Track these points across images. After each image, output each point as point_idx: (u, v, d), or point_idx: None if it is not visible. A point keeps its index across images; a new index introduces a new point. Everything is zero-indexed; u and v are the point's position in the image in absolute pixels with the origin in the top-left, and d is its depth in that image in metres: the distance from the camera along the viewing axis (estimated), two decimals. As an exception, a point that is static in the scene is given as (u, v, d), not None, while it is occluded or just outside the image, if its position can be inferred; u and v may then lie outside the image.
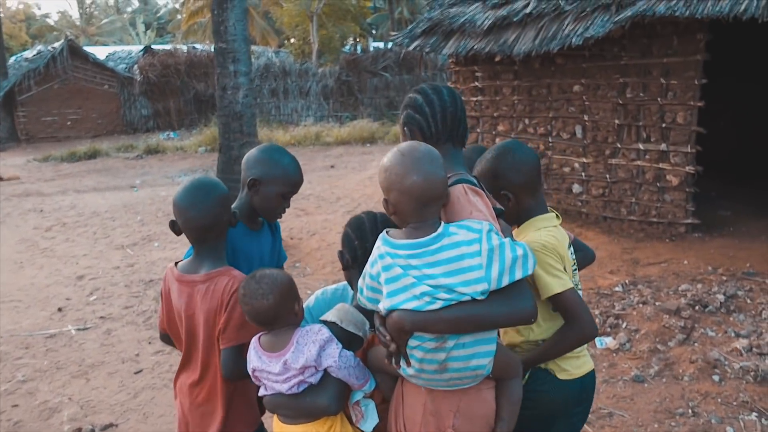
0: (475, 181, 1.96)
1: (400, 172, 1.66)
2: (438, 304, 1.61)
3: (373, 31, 33.25)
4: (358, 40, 30.82)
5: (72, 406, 4.09)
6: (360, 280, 1.77)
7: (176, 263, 2.12)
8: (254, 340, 1.93)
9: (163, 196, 11.22)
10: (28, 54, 24.57)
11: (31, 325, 5.49)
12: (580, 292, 2.17)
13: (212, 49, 24.58)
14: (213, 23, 6.65)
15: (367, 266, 1.74)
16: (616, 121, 7.37)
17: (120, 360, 4.76)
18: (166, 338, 2.23)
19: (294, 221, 8.74)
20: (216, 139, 17.51)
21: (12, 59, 25.51)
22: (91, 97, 23.04)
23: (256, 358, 1.89)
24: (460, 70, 9.13)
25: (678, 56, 6.71)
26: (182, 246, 7.74)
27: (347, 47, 29.41)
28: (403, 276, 1.63)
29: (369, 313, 1.90)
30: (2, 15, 47.86)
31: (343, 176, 12.33)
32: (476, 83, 8.89)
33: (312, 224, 8.57)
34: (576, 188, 8.01)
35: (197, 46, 25.26)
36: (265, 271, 1.92)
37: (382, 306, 1.68)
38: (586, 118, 7.69)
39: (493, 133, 8.84)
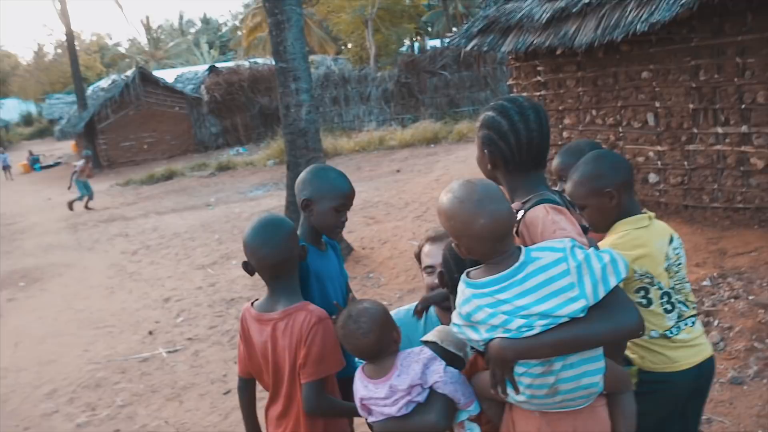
0: (556, 198, 1.90)
1: (465, 219, 1.64)
2: (536, 331, 1.58)
3: (429, 29, 33.13)
4: (414, 39, 30.79)
5: (169, 429, 4.30)
6: (453, 316, 1.76)
7: (252, 303, 2.16)
8: (358, 371, 1.96)
9: (237, 212, 11.59)
10: (104, 83, 26.01)
11: (125, 350, 5.80)
12: (687, 286, 2.22)
13: (273, 63, 25.23)
14: (272, 44, 6.82)
15: (457, 305, 1.73)
16: (691, 106, 7.04)
17: (209, 381, 4.95)
18: (243, 387, 2.26)
19: (364, 230, 8.83)
20: (283, 152, 18.00)
21: (89, 90, 27.04)
22: (164, 120, 24.09)
23: (362, 388, 1.92)
24: (520, 65, 8.98)
25: (754, 33, 6.33)
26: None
27: (404, 48, 29.44)
28: (494, 315, 1.62)
29: None
30: (78, 48, 50.77)
31: (409, 180, 12.35)
32: (538, 78, 8.71)
33: (382, 232, 8.63)
34: (652, 178, 7.70)
35: (258, 60, 25.95)
36: (359, 306, 1.94)
37: (479, 338, 1.67)
38: (657, 104, 7.39)
39: (560, 126, 8.63)
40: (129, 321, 6.56)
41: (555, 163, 2.72)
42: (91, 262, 9.49)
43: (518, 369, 1.65)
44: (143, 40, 56.59)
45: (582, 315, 1.58)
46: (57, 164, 28.33)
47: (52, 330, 6.61)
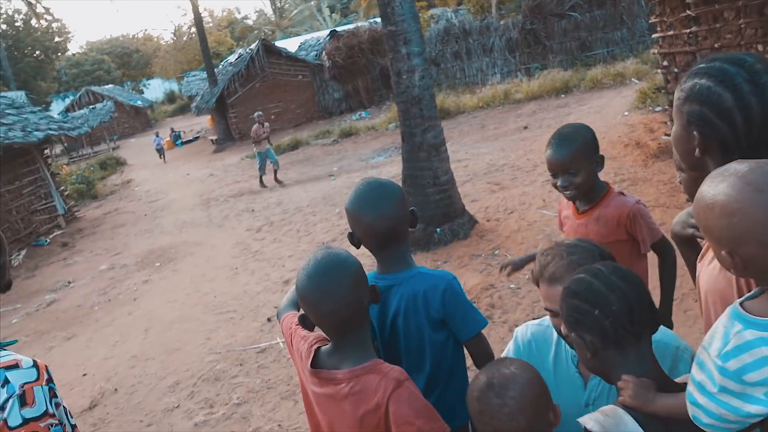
0: None
1: (762, 217, 1.11)
2: None
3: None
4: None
5: (281, 434, 4.07)
6: (699, 377, 1.20)
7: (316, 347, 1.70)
8: None
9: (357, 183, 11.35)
10: (232, 58, 26.81)
11: (244, 338, 5.70)
12: None
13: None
14: (379, 6, 6.25)
15: (712, 360, 1.18)
16: None
17: (324, 377, 4.67)
18: None
19: (489, 198, 8.18)
20: (404, 114, 17.55)
21: (220, 65, 28.09)
22: (289, 89, 24.47)
23: None
24: (665, -1, 7.71)
25: None
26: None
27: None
28: None
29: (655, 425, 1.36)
30: (210, 25, 53.26)
31: (538, 137, 11.39)
32: (688, 12, 7.41)
33: (509, 200, 7.93)
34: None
35: (378, 20, 25.47)
36: (504, 370, 1.46)
37: (758, 411, 1.13)
38: None
39: (717, 67, 7.33)
40: (249, 306, 6.49)
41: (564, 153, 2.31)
42: (220, 239, 9.68)
43: None
44: (269, 10, 58.19)
45: None
46: (196, 138, 30.03)
47: (179, 315, 6.71)
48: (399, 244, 1.91)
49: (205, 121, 32.67)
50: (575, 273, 1.52)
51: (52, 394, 1.03)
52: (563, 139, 2.36)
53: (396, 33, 6.19)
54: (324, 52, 24.20)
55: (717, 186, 1.17)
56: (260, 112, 14.26)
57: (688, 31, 7.50)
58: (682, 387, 1.45)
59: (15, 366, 1.00)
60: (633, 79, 14.88)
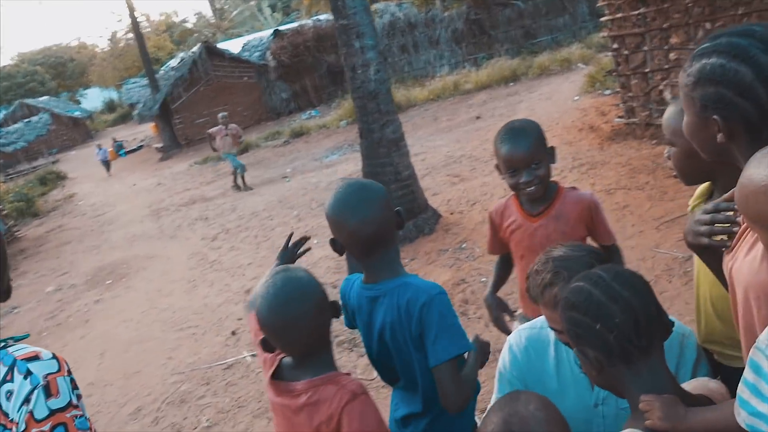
0: None
1: None
2: None
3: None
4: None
5: (257, 456, 3.83)
6: (747, 396, 1.08)
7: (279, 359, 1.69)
8: None
9: (314, 183, 11.10)
10: (173, 63, 26.05)
11: (209, 355, 5.41)
12: None
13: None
14: (330, 0, 6.03)
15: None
16: (840, 1, 5.70)
17: (297, 390, 4.44)
18: None
19: (450, 191, 8.06)
20: (354, 111, 17.31)
21: (161, 70, 27.27)
22: (234, 92, 23.88)
23: None
24: (612, -19, 7.72)
25: None
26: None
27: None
28: None
29: None
30: (148, 30, 51.73)
31: (492, 127, 11.34)
32: (636, -7, 7.45)
33: (470, 192, 7.83)
34: (789, 96, 6.41)
35: (321, 18, 25.12)
36: (522, 411, 1.28)
37: None
38: (792, 5, 6.06)
39: (665, 48, 7.38)
40: (211, 319, 6.18)
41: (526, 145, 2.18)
42: (174, 251, 9.29)
43: None
44: (208, 12, 56.92)
45: None
46: (140, 147, 29.06)
47: (136, 335, 6.35)
48: (387, 248, 1.79)
49: (148, 129, 31.64)
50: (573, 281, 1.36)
51: (74, 385, 1.01)
52: (519, 132, 2.23)
53: (348, 27, 5.97)
54: (269, 52, 23.73)
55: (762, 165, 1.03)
56: (225, 114, 13.03)
57: (637, 12, 7.54)
58: (701, 398, 1.31)
59: (36, 357, 0.98)
60: (579, 64, 15.05)
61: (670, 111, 1.72)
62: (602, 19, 8.39)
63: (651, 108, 7.83)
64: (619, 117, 8.52)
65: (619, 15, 7.78)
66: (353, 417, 1.51)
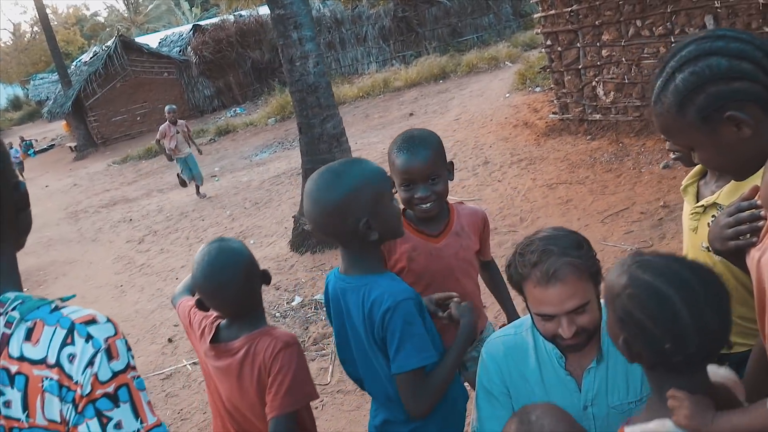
0: None
1: None
2: None
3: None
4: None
5: (207, 472, 3.55)
6: None
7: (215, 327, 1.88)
8: None
9: (245, 182, 10.71)
10: (86, 57, 24.68)
11: (144, 365, 5.03)
12: None
13: (259, 13, 23.64)
14: (265, -12, 5.76)
15: None
16: (761, 0, 5.97)
17: (246, 399, 4.18)
18: None
19: (390, 188, 7.93)
20: (284, 108, 16.92)
21: (73, 66, 25.77)
22: (154, 88, 22.88)
23: None
24: (546, -22, 7.82)
25: None
26: (279, 239, 7.13)
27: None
28: None
29: None
30: (55, 23, 48.87)
31: (425, 123, 11.35)
32: (569, -10, 7.57)
33: (410, 188, 7.73)
34: (714, 91, 6.69)
35: (243, 13, 24.48)
36: (538, 421, 1.27)
37: None
38: (717, 3, 6.31)
39: (598, 45, 7.56)
40: (145, 327, 5.78)
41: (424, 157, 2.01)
42: (96, 255, 8.70)
43: None
44: (121, 6, 54.40)
45: None
46: (51, 147, 27.40)
47: (61, 347, 5.85)
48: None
49: (59, 128, 29.86)
50: (635, 267, 1.19)
51: (128, 347, 1.04)
52: (418, 142, 2.01)
53: (285, 17, 5.71)
54: (189, 48, 22.86)
55: None
56: (173, 106, 10.31)
57: (569, 9, 7.67)
58: (720, 389, 1.24)
59: (93, 321, 1.00)
60: (507, 62, 15.33)
61: None
62: (535, 16, 8.51)
63: (584, 104, 8.00)
64: (554, 113, 8.67)
65: (552, 12, 7.89)
66: (284, 363, 1.71)
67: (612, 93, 7.59)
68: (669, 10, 6.70)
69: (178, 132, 9.92)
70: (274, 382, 1.72)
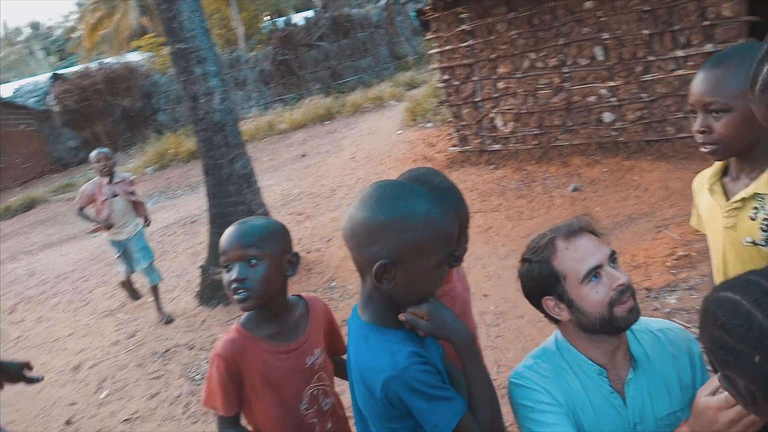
0: None
1: None
2: None
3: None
4: (277, 14, 28.87)
5: None
6: None
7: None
8: None
9: (130, 235, 9.81)
10: (-75, 110, 22.08)
11: (39, 456, 4.24)
12: None
13: (127, 60, 22.49)
14: (163, 22, 5.28)
15: None
16: (645, 32, 6.39)
17: (176, 481, 3.60)
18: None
19: (298, 229, 7.56)
20: (162, 156, 15.99)
21: None
22: (10, 142, 20.79)
23: None
24: (440, 15, 7.97)
25: (714, -63, 5.74)
26: (183, 293, 6.51)
27: (266, 25, 27.51)
28: None
29: None
30: None
31: (321, 163, 11.11)
32: (464, 26, 7.75)
33: (320, 228, 7.41)
34: (607, 117, 7.05)
35: (108, 60, 23.18)
36: None
37: None
38: (605, 36, 6.70)
39: (494, 77, 7.77)
40: (32, 412, 4.92)
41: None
42: (-43, 332, 7.47)
43: None
44: (-37, 55, 49.86)
45: None
46: None
47: (-77, 447, 4.83)
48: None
49: None
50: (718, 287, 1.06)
51: None
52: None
53: (188, 51, 5.27)
54: (52, 96, 21.16)
55: None
56: (103, 150, 5.71)
57: (465, 45, 7.83)
58: None
59: None
60: (391, 101, 15.54)
61: (715, 74, 1.52)
62: (431, 51, 8.63)
63: (483, 135, 8.14)
64: (453, 146, 8.76)
65: (449, 47, 8.02)
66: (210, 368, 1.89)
67: (511, 123, 7.79)
68: (561, 43, 7.01)
69: (115, 194, 5.69)
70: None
